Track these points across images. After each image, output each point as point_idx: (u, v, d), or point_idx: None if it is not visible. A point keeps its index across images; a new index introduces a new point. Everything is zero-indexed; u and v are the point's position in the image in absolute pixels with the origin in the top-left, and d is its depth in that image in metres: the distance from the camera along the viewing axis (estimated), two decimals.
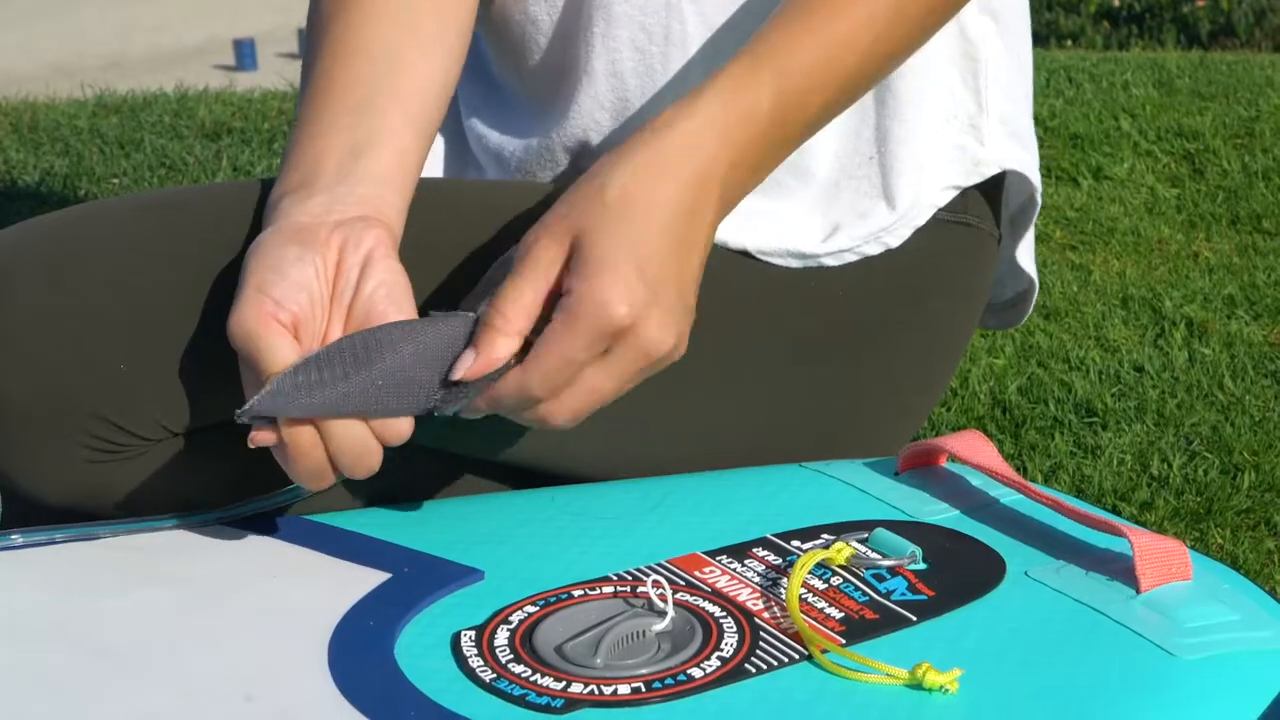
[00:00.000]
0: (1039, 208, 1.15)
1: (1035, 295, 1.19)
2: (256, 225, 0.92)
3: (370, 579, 0.85)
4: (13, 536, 0.90)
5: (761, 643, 0.78)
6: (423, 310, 0.88)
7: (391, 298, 0.86)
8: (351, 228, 0.87)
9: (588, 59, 1.05)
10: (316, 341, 0.85)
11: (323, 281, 0.85)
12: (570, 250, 0.85)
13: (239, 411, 0.82)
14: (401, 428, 0.84)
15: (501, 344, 0.84)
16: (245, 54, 5.28)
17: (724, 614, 0.80)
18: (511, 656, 0.77)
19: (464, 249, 0.97)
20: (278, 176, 0.92)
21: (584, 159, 1.08)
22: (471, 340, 0.85)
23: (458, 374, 0.84)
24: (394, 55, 0.96)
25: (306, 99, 0.95)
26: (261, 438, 0.83)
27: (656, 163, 0.87)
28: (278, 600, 0.85)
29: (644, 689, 0.75)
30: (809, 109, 0.93)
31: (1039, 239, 2.83)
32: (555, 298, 0.85)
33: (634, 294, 0.84)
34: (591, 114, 1.06)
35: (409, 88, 0.95)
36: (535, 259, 0.85)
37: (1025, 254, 1.17)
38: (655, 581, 0.82)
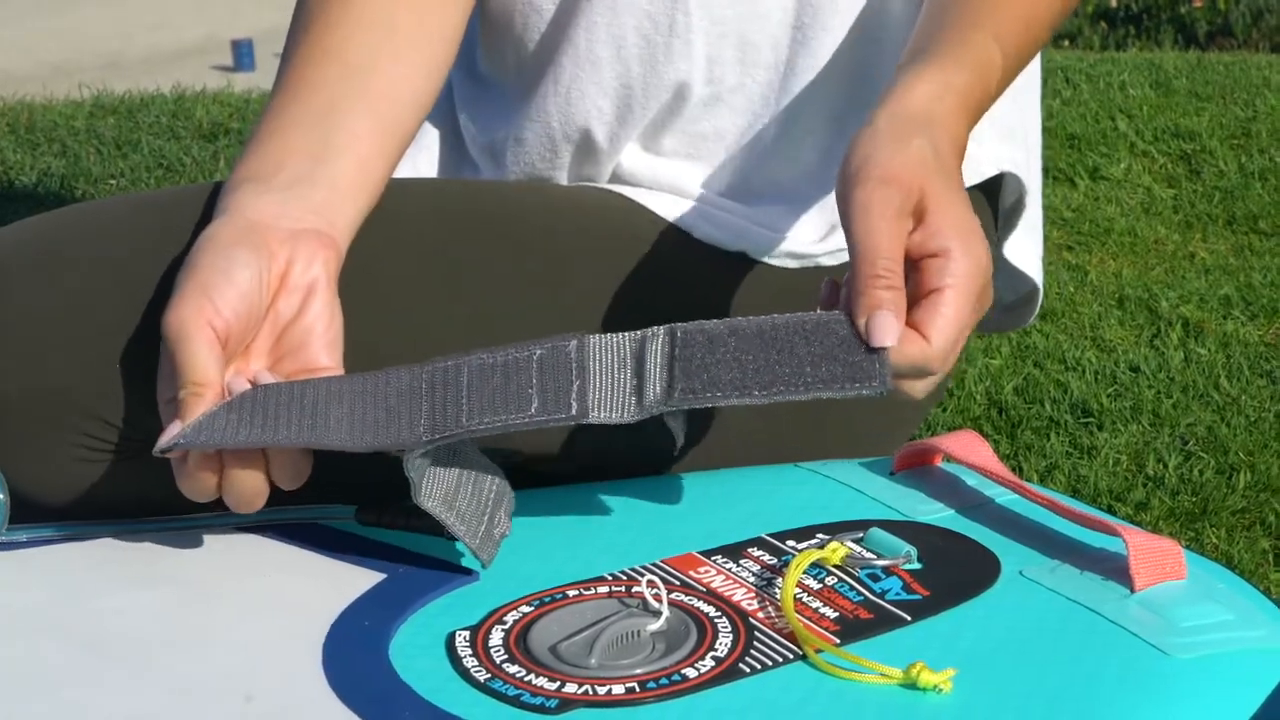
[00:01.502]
0: (1031, 208, 1.14)
1: (1039, 300, 1.19)
2: None
3: (365, 579, 0.85)
4: (19, 535, 0.90)
5: (756, 642, 0.78)
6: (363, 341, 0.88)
7: (325, 337, 0.87)
8: (304, 244, 0.88)
9: (590, 45, 1.05)
10: (239, 351, 0.86)
11: (264, 292, 0.86)
12: (915, 206, 0.83)
13: (157, 447, 0.83)
14: (300, 473, 0.84)
15: (902, 299, 0.81)
16: (243, 54, 5.28)
17: (719, 614, 0.80)
18: (506, 657, 0.77)
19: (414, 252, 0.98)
20: (237, 163, 0.92)
21: (585, 147, 1.08)
22: (862, 307, 0.80)
23: (885, 341, 0.80)
24: (367, 59, 0.96)
25: (275, 95, 0.95)
26: (168, 454, 0.83)
27: (952, 115, 0.87)
28: (273, 600, 0.85)
29: (638, 689, 0.75)
30: (1003, 86, 0.94)
31: None
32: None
33: (986, 243, 0.84)
34: (594, 100, 1.06)
35: (379, 93, 0.95)
36: (890, 209, 0.82)
37: (1019, 254, 1.16)
38: (650, 581, 0.82)
